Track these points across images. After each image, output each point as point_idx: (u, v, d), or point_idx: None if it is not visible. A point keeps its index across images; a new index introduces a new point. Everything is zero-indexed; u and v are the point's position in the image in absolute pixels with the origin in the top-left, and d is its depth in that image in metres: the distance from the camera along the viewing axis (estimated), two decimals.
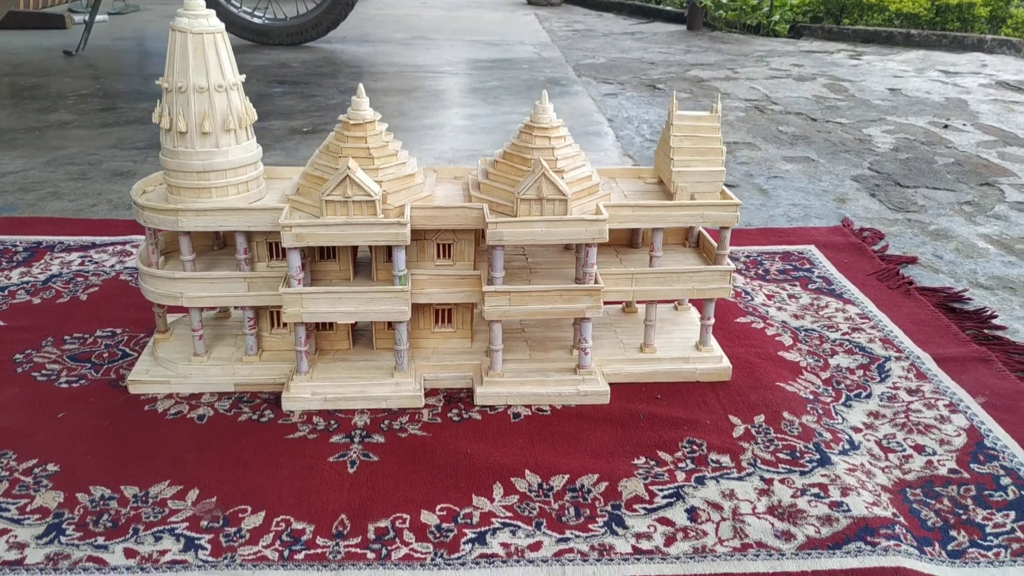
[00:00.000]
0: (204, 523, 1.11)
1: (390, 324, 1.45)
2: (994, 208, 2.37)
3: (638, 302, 1.55)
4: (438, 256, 1.41)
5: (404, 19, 5.68)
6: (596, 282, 1.36)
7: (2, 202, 2.20)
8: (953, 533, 1.15)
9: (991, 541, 1.13)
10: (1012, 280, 1.93)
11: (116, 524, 1.11)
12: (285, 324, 1.44)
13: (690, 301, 1.64)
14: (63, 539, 1.09)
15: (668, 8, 6.09)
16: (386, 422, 1.34)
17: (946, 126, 3.18)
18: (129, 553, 1.07)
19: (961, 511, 1.19)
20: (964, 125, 3.21)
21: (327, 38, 4.68)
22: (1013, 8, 4.97)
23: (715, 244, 1.46)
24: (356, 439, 1.29)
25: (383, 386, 1.38)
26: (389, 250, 1.40)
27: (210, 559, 1.06)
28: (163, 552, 1.07)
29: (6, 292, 1.72)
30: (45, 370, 1.46)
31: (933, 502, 1.21)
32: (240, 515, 1.13)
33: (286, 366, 1.42)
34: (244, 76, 1.35)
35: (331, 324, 1.44)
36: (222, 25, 1.31)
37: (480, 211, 1.34)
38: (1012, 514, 1.18)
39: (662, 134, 1.47)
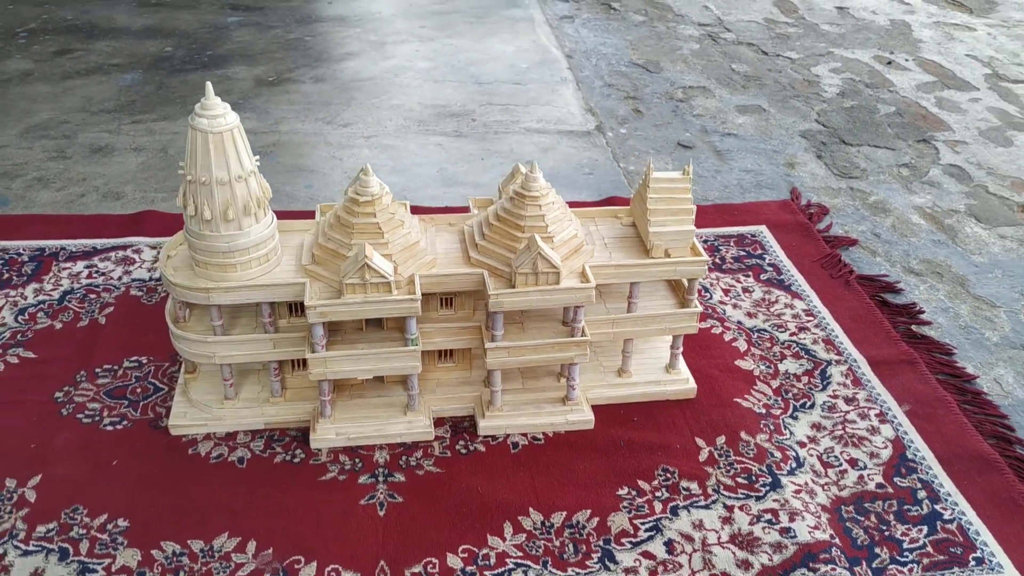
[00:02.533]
0: (267, 575, 1.33)
1: None
2: (928, 173, 2.58)
3: None
4: (441, 306, 1.58)
5: None
6: (583, 334, 1.55)
7: None
8: (877, 551, 1.42)
9: (907, 557, 1.41)
10: (939, 264, 2.17)
11: None
12: (305, 366, 1.61)
13: None
14: None
15: None
16: (403, 458, 1.55)
17: (889, 63, 3.34)
18: None
19: (884, 527, 1.46)
20: (906, 60, 3.36)
21: None
22: None
23: (679, 286, 1.65)
24: (380, 478, 1.51)
25: (398, 424, 1.58)
26: None
27: None
28: None
29: (27, 315, 1.84)
30: (88, 410, 1.62)
31: (863, 519, 1.48)
32: (296, 566, 1.35)
33: (309, 404, 1.60)
34: (258, 158, 1.46)
35: None
36: (237, 119, 1.40)
37: (479, 276, 1.51)
38: (925, 528, 1.46)
39: (637, 191, 1.62)
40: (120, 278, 1.97)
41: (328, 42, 3.35)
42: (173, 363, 1.73)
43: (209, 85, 1.39)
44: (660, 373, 1.71)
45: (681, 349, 1.69)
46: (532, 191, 1.51)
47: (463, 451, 1.57)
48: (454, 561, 1.37)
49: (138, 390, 1.67)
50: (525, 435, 1.60)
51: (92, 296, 1.91)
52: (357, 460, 1.54)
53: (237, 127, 1.40)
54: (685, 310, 1.63)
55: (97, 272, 1.98)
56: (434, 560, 1.37)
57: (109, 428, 1.58)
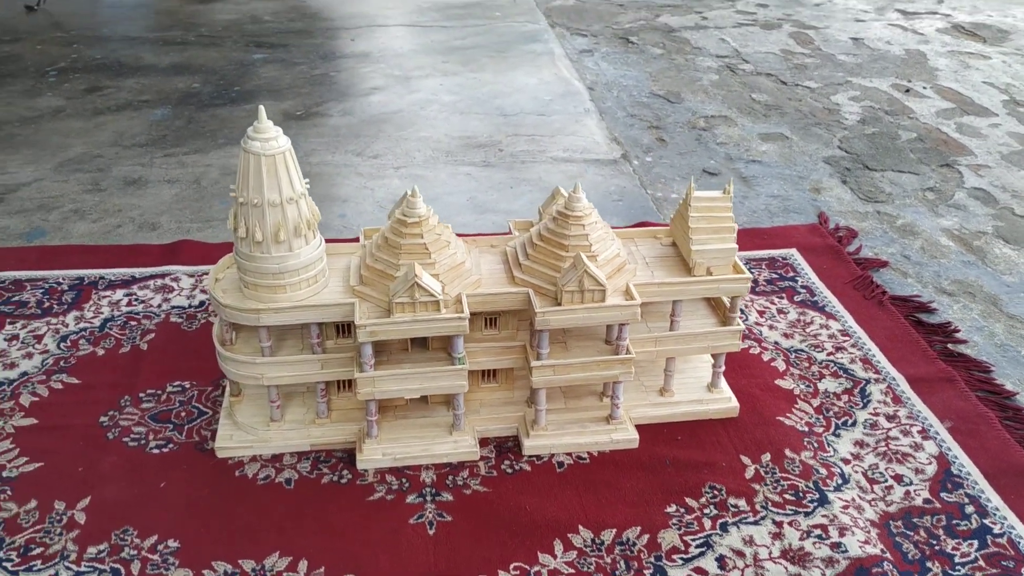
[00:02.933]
0: None
1: None
2: (954, 196, 2.60)
3: None
4: (485, 327, 1.60)
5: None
6: (628, 352, 1.56)
7: (28, 225, 2.29)
8: (929, 564, 1.41)
9: (959, 571, 1.41)
10: (971, 284, 2.18)
11: None
12: (351, 387, 1.62)
13: None
14: None
15: None
16: (450, 478, 1.55)
17: (907, 90, 3.37)
18: None
19: (935, 542, 1.46)
20: (924, 88, 3.40)
21: None
22: None
23: (720, 304, 1.67)
24: (428, 498, 1.51)
25: (444, 444, 1.58)
26: None
27: None
28: None
29: (69, 342, 1.86)
30: (133, 434, 1.63)
31: (912, 534, 1.47)
32: None
33: (354, 426, 1.61)
34: (308, 181, 1.48)
35: None
36: (288, 142, 1.43)
37: (524, 295, 1.52)
38: (975, 543, 1.46)
39: (678, 210, 1.64)
40: (160, 305, 1.99)
41: (353, 77, 3.40)
42: (216, 387, 1.75)
43: (262, 109, 1.42)
44: (702, 392, 1.71)
45: (723, 368, 1.70)
46: (575, 211, 1.53)
47: (508, 471, 1.57)
48: None
49: (182, 414, 1.68)
50: (570, 454, 1.60)
51: (133, 323, 1.93)
52: (404, 480, 1.54)
53: (289, 150, 1.43)
54: (728, 328, 1.64)
55: (136, 300, 2.01)
56: None
57: (155, 451, 1.59)
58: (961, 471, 1.60)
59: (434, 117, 3.06)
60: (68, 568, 1.37)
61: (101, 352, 1.84)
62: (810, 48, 3.85)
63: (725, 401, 1.70)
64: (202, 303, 2.00)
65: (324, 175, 2.63)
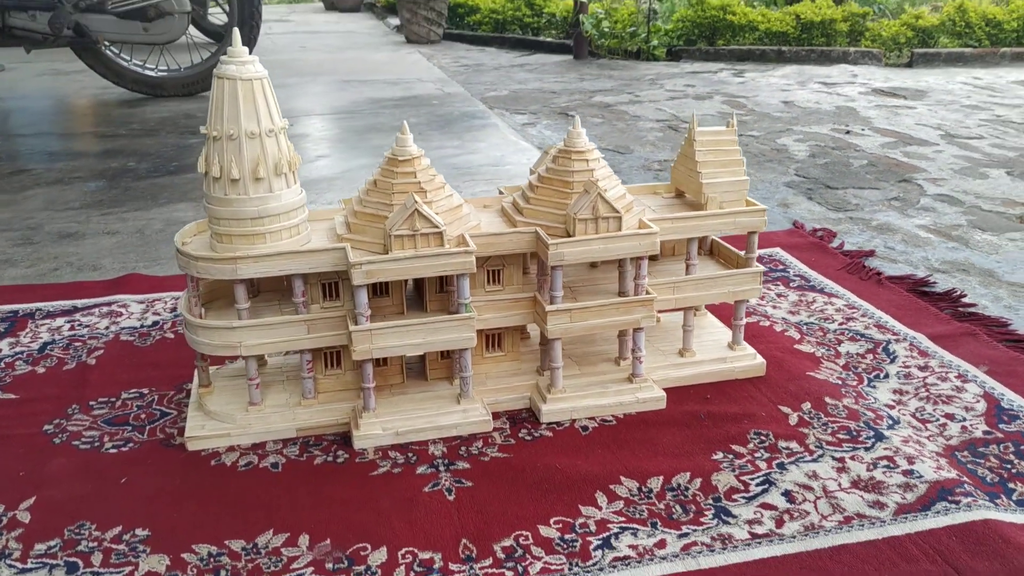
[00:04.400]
0: (329, 565, 1.10)
1: (443, 354, 1.47)
2: (920, 202, 2.59)
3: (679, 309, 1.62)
4: (489, 283, 1.44)
5: (290, 63, 5.62)
6: (648, 293, 1.42)
7: None
8: (1012, 485, 1.26)
9: None
10: (962, 263, 2.12)
11: None
12: (339, 364, 1.43)
13: (708, 309, 1.72)
14: None
15: (549, 40, 6.29)
16: (463, 448, 1.35)
17: (848, 132, 3.44)
18: None
19: (1009, 465, 1.31)
20: (863, 130, 3.48)
21: None
22: (869, 23, 5.42)
23: (733, 250, 1.55)
24: (441, 468, 1.30)
25: (451, 414, 1.39)
26: (441, 281, 1.42)
27: None
28: None
29: (3, 364, 1.62)
30: (84, 438, 1.39)
31: (983, 461, 1.32)
32: (362, 552, 1.12)
33: (345, 406, 1.41)
34: (287, 121, 1.35)
35: (385, 359, 1.44)
36: (266, 71, 1.30)
37: (532, 235, 1.39)
38: None
39: (682, 150, 1.55)
40: (108, 328, 1.77)
41: (299, 150, 3.31)
42: (179, 391, 1.52)
43: (236, 32, 1.30)
44: (724, 351, 1.57)
45: (744, 320, 1.57)
46: (578, 147, 1.42)
47: (528, 438, 1.38)
48: (548, 532, 1.16)
49: (142, 416, 1.45)
50: (593, 418, 1.42)
51: (78, 344, 1.70)
52: (410, 455, 1.34)
53: (267, 78, 1.30)
54: (747, 270, 1.52)
55: (80, 325, 1.78)
56: (525, 533, 1.16)
57: (112, 451, 1.35)
58: (1012, 405, 1.48)
59: None
60: (10, 566, 1.11)
61: (42, 370, 1.60)
62: (744, 110, 3.94)
63: (750, 359, 1.56)
64: (156, 323, 1.79)
65: None
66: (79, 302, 1.88)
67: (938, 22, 5.26)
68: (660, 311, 1.61)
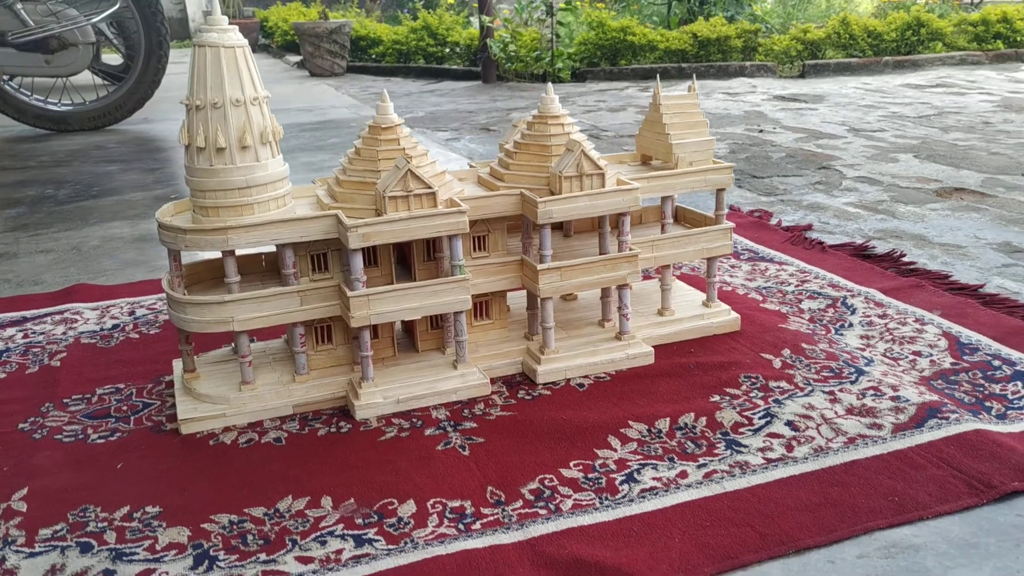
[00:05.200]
0: (359, 520, 1.08)
1: (433, 324, 1.47)
2: (842, 184, 2.73)
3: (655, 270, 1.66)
4: (474, 249, 1.45)
5: None
6: (631, 250, 1.46)
7: None
8: (988, 404, 1.34)
9: (1017, 403, 1.34)
10: (893, 231, 2.24)
11: (268, 540, 1.05)
12: (330, 340, 1.41)
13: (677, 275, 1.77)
14: (221, 564, 1.01)
15: (455, 67, 6.37)
16: (466, 411, 1.35)
17: (760, 131, 3.60)
18: (304, 560, 1.01)
19: (981, 388, 1.39)
20: (774, 128, 3.65)
21: (129, 119, 4.44)
22: (761, 39, 5.70)
23: (700, 213, 1.61)
24: (449, 429, 1.29)
25: (450, 379, 1.39)
26: (429, 249, 1.42)
27: (392, 547, 1.03)
28: (339, 551, 1.02)
29: None
30: (66, 432, 1.32)
31: (956, 386, 1.40)
32: (389, 507, 1.10)
33: (340, 380, 1.39)
34: (268, 93, 1.34)
35: (376, 332, 1.43)
36: (245, 40, 1.29)
37: (518, 196, 1.41)
38: (1019, 383, 1.40)
39: (647, 117, 1.60)
40: (65, 333, 1.70)
41: None
42: (157, 383, 1.47)
43: (216, 1, 1.28)
44: (700, 309, 1.62)
45: (717, 278, 1.62)
46: (553, 111, 1.46)
47: (528, 397, 1.39)
48: (571, 473, 1.17)
49: (123, 408, 1.39)
50: (587, 376, 1.44)
51: (36, 349, 1.62)
52: (415, 419, 1.33)
53: (247, 46, 1.28)
54: (719, 226, 1.57)
55: (34, 333, 1.70)
56: (548, 476, 1.16)
57: (100, 441, 1.29)
58: (971, 340, 1.57)
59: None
60: (18, 551, 1.04)
61: (2, 375, 1.52)
62: None
63: (725, 314, 1.61)
64: (116, 326, 1.72)
65: None
66: (28, 313, 1.80)
67: (824, 35, 5.58)
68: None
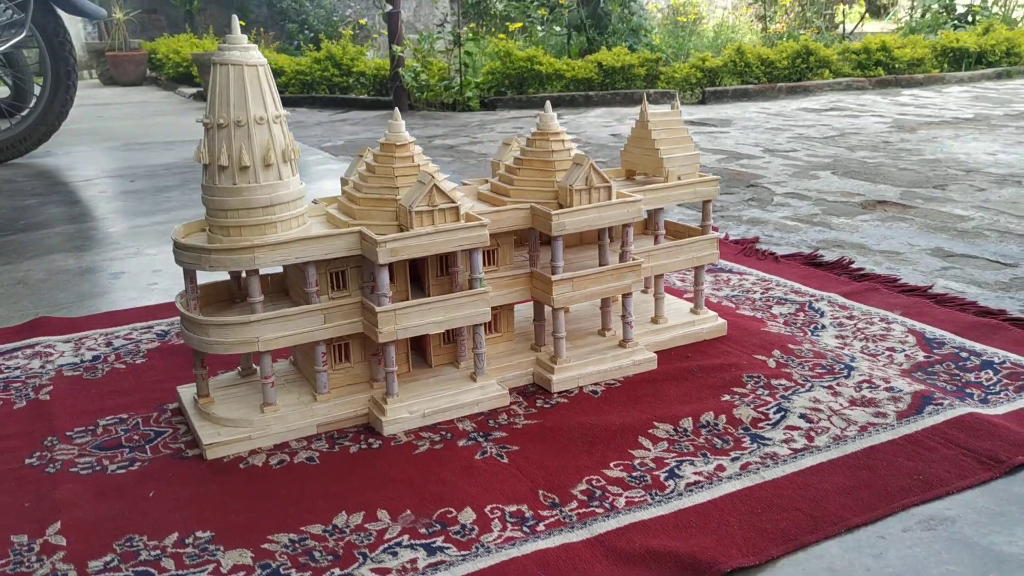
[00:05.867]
0: (423, 530, 1.08)
1: (445, 339, 1.48)
2: (773, 200, 2.88)
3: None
4: (484, 263, 1.48)
5: (100, 130, 5.30)
6: (635, 260, 1.51)
7: None
8: (968, 391, 1.45)
9: (995, 389, 1.45)
10: (834, 241, 2.39)
11: (337, 555, 1.04)
12: (348, 358, 1.41)
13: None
14: None
15: (363, 97, 6.35)
16: (490, 421, 1.37)
17: None
18: (380, 571, 1.01)
19: (957, 377, 1.50)
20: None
21: (31, 153, 4.24)
22: (662, 67, 5.93)
23: (685, 224, 1.69)
24: (480, 439, 1.31)
25: (470, 392, 1.40)
26: (442, 265, 1.44)
27: (466, 552, 1.04)
28: (413, 561, 1.02)
29: None
30: (81, 464, 1.27)
31: (935, 377, 1.51)
32: (448, 515, 1.11)
33: (360, 398, 1.38)
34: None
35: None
36: (265, 59, 1.29)
37: (527, 210, 1.45)
38: (989, 371, 1.52)
39: (633, 133, 1.67)
40: (43, 367, 1.62)
41: (157, 197, 3.15)
42: (162, 412, 1.43)
43: (235, 19, 1.28)
44: (689, 316, 1.69)
45: (704, 286, 1.70)
46: (553, 128, 1.51)
47: (546, 406, 1.42)
48: (614, 473, 1.20)
49: (135, 437, 1.35)
50: (597, 384, 1.49)
51: (17, 384, 1.55)
52: (444, 432, 1.34)
53: (267, 65, 1.28)
54: (706, 236, 1.65)
55: (8, 368, 1.62)
56: (594, 477, 1.20)
57: (121, 472, 1.25)
58: (935, 335, 1.69)
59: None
60: None
61: None
62: (581, 142, 4.19)
63: (714, 320, 1.69)
64: (97, 357, 1.66)
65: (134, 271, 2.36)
66: None
67: (722, 63, 5.86)
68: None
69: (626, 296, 1.52)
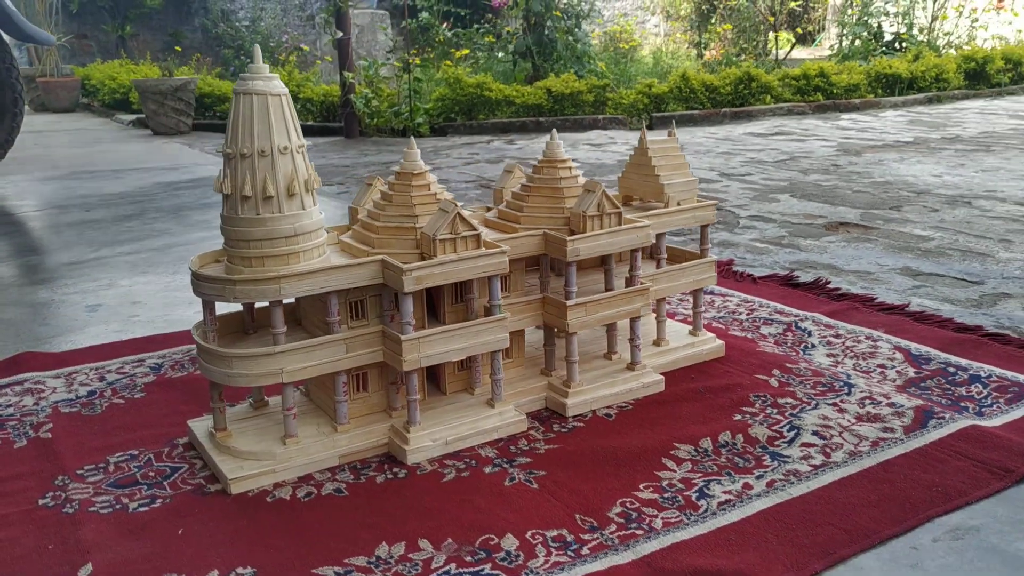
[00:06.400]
0: (468, 558, 1.08)
1: (460, 366, 1.49)
2: (740, 223, 2.96)
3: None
4: None
5: (41, 158, 5.16)
6: (641, 283, 1.54)
7: None
8: (963, 404, 1.51)
9: (987, 401, 1.52)
10: (805, 262, 2.46)
11: None
12: (365, 387, 1.40)
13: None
14: None
15: (310, 124, 6.31)
16: (511, 447, 1.37)
17: None
18: None
19: (950, 392, 1.56)
20: None
21: None
22: (609, 94, 6.03)
23: (682, 249, 1.73)
24: (506, 465, 1.32)
25: (489, 418, 1.41)
26: (458, 292, 1.44)
27: None
28: None
29: None
30: (99, 503, 1.24)
31: (929, 392, 1.57)
32: (490, 542, 1.12)
33: (379, 427, 1.38)
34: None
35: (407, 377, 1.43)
36: (286, 88, 1.29)
37: (540, 237, 1.47)
38: (978, 385, 1.59)
39: (631, 159, 1.71)
40: (37, 404, 1.57)
41: (118, 227, 3.08)
42: (173, 447, 1.40)
43: (257, 48, 1.28)
44: (688, 339, 1.72)
45: (703, 308, 1.73)
46: (560, 156, 1.54)
47: (564, 430, 1.43)
48: (646, 495, 1.22)
49: (150, 474, 1.32)
50: (610, 407, 1.51)
51: (13, 422, 1.50)
52: (468, 459, 1.34)
53: (288, 95, 1.28)
54: (705, 259, 1.69)
55: (0, 406, 1.57)
56: (627, 499, 1.21)
57: (143, 510, 1.22)
58: (920, 351, 1.76)
59: None
60: None
61: None
62: None
63: (712, 342, 1.73)
64: (92, 392, 1.62)
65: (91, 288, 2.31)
66: None
67: (667, 89, 5.99)
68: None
69: (634, 320, 1.55)
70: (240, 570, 1.07)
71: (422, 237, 1.33)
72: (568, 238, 1.43)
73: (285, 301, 1.32)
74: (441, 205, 1.33)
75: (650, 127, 5.82)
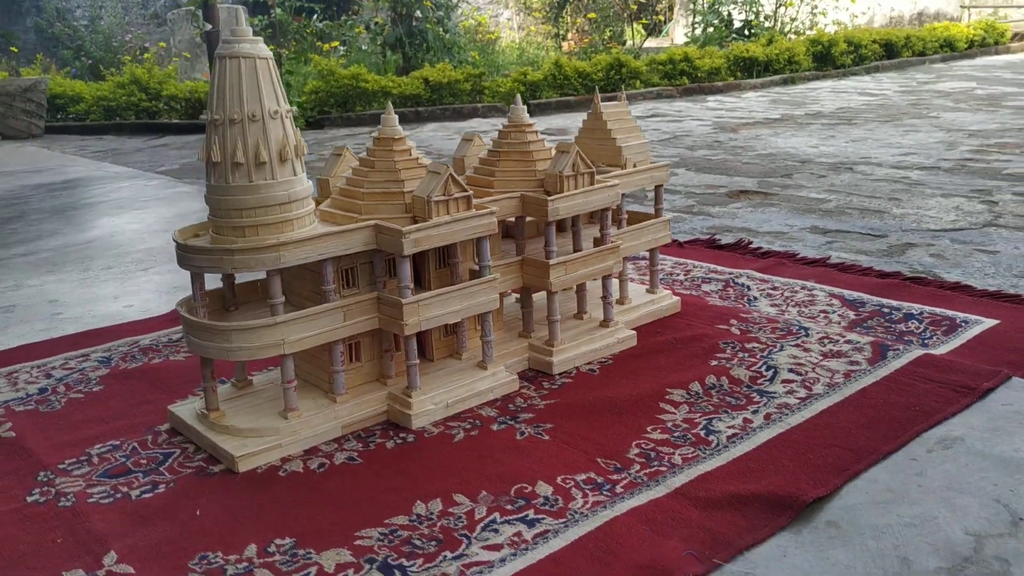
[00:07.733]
0: (508, 506, 1.09)
1: (448, 330, 1.48)
2: (648, 196, 3.06)
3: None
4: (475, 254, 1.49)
5: None
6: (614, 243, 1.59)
7: None
8: (907, 338, 1.64)
9: (925, 334, 1.65)
10: (721, 227, 2.58)
11: (440, 540, 1.03)
12: (358, 357, 1.38)
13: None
14: (413, 570, 0.98)
15: (175, 121, 6.05)
16: (509, 405, 1.39)
17: None
18: (492, 548, 1.01)
19: (891, 329, 1.69)
20: None
21: None
22: (485, 82, 6.08)
23: (639, 211, 1.78)
24: (511, 422, 1.33)
25: (483, 380, 1.42)
26: (442, 254, 1.44)
27: (564, 520, 1.06)
28: (518, 534, 1.03)
29: None
30: (96, 495, 1.17)
31: (872, 331, 1.68)
32: (525, 490, 1.13)
33: (376, 396, 1.36)
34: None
35: (398, 344, 1.42)
36: (269, 51, 1.25)
37: (518, 197, 1.48)
38: (913, 322, 1.72)
39: (585, 124, 1.75)
40: (9, 402, 1.46)
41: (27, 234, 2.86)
42: (156, 435, 1.33)
43: (242, 11, 1.23)
44: (647, 296, 1.78)
45: (659, 267, 1.80)
46: (525, 119, 1.56)
47: (555, 387, 1.46)
48: (656, 435, 1.26)
49: (143, 462, 1.26)
50: (590, 363, 1.54)
51: None
52: (472, 420, 1.34)
53: (273, 58, 1.25)
54: (661, 219, 1.75)
55: None
56: (639, 441, 1.25)
57: (148, 496, 1.16)
58: (854, 297, 1.88)
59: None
60: None
61: None
62: (432, 154, 4.23)
63: (670, 298, 1.79)
64: (44, 389, 1.52)
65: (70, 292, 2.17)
66: None
67: (542, 77, 6.09)
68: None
69: (607, 277, 1.59)
70: (279, 541, 1.04)
71: (414, 200, 1.32)
72: (549, 198, 1.45)
73: (248, 277, 1.28)
74: (431, 167, 1.33)
75: (529, 114, 5.89)
